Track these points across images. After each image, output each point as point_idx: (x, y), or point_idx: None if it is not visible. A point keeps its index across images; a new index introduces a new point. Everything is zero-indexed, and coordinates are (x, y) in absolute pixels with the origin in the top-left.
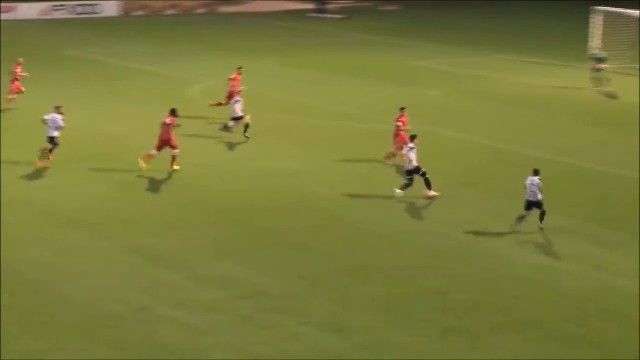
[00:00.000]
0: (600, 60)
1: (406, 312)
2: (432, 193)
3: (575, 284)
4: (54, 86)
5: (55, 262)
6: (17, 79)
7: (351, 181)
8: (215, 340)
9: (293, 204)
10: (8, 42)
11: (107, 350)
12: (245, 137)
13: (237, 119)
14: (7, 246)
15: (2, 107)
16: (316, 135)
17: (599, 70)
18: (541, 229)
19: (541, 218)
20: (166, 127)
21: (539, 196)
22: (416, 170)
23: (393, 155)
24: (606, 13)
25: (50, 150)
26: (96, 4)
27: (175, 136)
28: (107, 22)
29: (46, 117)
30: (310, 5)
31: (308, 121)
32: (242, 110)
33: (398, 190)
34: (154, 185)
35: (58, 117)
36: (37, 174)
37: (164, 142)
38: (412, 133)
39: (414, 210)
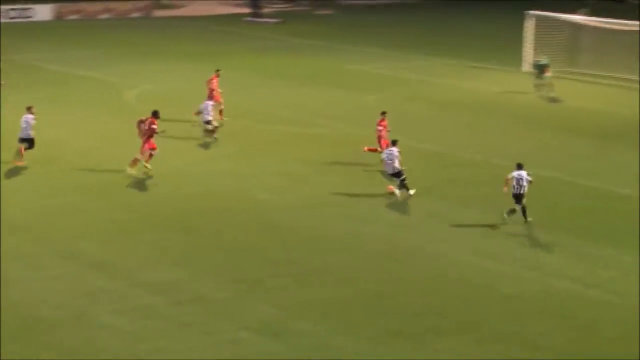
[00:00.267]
0: (543, 67)
1: (346, 315)
2: (394, 189)
3: (514, 286)
4: None
5: None
6: None
7: (290, 185)
8: (154, 346)
9: (233, 208)
10: None
11: (44, 356)
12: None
13: (208, 122)
14: None
15: None
16: (255, 139)
17: (541, 76)
18: (527, 222)
19: (523, 213)
20: (148, 129)
21: (525, 189)
22: (398, 174)
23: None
24: (541, 17)
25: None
26: (29, 8)
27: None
28: (40, 27)
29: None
30: (246, 10)
31: (246, 125)
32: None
33: (397, 191)
34: (93, 190)
35: (30, 117)
36: None
37: (146, 144)
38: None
39: (354, 214)
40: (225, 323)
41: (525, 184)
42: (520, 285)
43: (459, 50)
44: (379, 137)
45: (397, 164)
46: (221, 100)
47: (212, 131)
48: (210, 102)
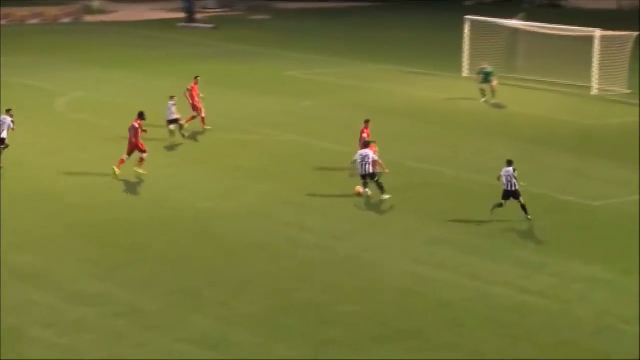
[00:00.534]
0: (488, 74)
1: (285, 325)
2: (361, 189)
3: (452, 294)
4: None
5: None
6: None
7: (227, 193)
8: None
9: (170, 216)
10: None
11: None
12: (182, 134)
13: (173, 121)
14: None
15: None
16: (192, 147)
17: (486, 83)
18: (529, 219)
19: (524, 209)
20: (134, 131)
21: (516, 186)
22: (371, 175)
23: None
24: (479, 23)
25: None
26: None
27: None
28: None
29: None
30: (179, 15)
31: (180, 132)
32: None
33: (366, 189)
34: (22, 199)
35: (8, 119)
36: None
37: (134, 146)
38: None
39: (292, 222)
40: (160, 335)
41: (515, 180)
42: (459, 293)
43: (396, 55)
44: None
45: (369, 168)
46: (202, 107)
47: (179, 129)
48: (172, 102)
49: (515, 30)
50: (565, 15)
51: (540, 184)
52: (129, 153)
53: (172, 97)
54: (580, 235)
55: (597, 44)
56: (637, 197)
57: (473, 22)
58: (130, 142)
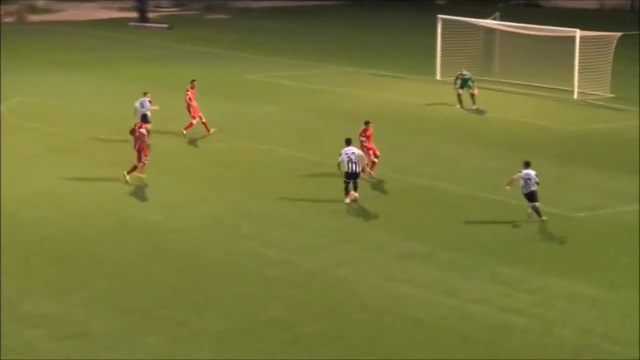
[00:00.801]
0: (466, 80)
1: (247, 346)
2: (355, 193)
3: (427, 312)
4: None
5: None
6: None
7: (185, 205)
8: None
9: (121, 231)
10: None
11: None
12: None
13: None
14: None
15: None
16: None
17: (464, 87)
18: (543, 220)
19: (537, 212)
20: (141, 135)
21: (533, 188)
22: (355, 175)
23: (370, 168)
24: (452, 22)
25: None
26: None
27: None
28: None
29: None
30: (131, 14)
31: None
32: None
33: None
34: None
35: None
36: None
37: (140, 151)
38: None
39: (254, 236)
40: (113, 356)
41: (533, 183)
42: (434, 311)
43: (364, 58)
44: (362, 148)
45: (355, 167)
46: (200, 112)
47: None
48: (147, 99)
49: (491, 31)
50: (544, 15)
51: (519, 195)
52: (140, 159)
53: (145, 93)
54: (562, 249)
55: (577, 45)
56: (624, 208)
57: (446, 21)
58: (140, 148)
